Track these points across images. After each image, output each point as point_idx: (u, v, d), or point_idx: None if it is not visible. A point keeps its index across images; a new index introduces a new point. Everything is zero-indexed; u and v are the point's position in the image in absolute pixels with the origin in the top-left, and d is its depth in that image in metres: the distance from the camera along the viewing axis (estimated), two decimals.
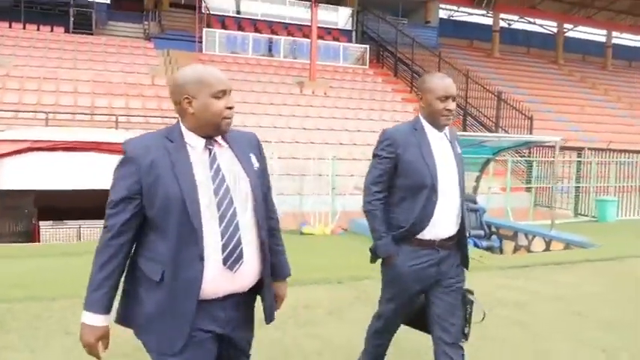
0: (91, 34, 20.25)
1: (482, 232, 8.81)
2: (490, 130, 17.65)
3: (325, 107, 18.12)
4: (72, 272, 5.61)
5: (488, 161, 9.36)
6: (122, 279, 1.87)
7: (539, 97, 23.82)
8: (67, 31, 19.88)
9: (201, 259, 1.75)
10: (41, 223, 14.64)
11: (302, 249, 7.07)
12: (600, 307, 4.46)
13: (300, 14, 23.57)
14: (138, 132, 13.51)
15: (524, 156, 15.38)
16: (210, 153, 1.86)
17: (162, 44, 20.38)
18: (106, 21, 22.02)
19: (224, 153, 1.89)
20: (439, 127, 2.60)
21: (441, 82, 2.56)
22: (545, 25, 32.57)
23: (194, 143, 1.86)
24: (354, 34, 25.57)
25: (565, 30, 31.71)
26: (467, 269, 2.70)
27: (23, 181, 11.51)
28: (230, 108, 1.86)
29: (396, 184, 2.61)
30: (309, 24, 19.90)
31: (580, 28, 32.80)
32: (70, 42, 18.79)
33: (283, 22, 24.08)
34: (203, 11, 22.15)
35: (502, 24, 30.98)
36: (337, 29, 25.32)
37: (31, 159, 11.59)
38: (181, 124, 1.87)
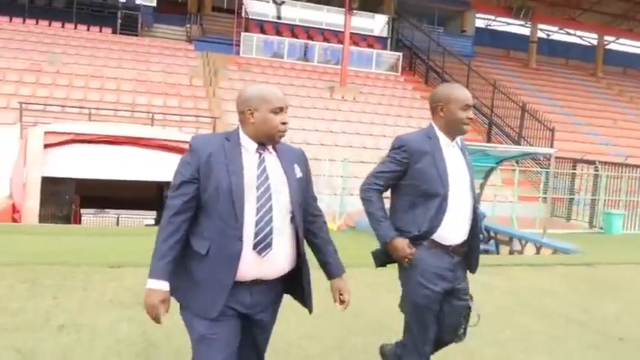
0: (137, 36, 21.49)
1: (480, 236, 9.31)
2: (513, 141, 17.96)
3: (353, 112, 18.78)
4: (98, 247, 6.49)
5: (491, 170, 9.84)
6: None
7: (572, 109, 23.86)
8: (114, 32, 21.17)
9: (241, 239, 2.03)
10: (83, 210, 15.84)
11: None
12: (548, 301, 4.99)
13: (336, 20, 24.25)
14: (172, 129, 14.54)
15: (543, 167, 15.72)
16: (260, 156, 2.15)
17: (202, 46, 21.44)
18: (152, 23, 23.25)
19: (272, 158, 2.17)
20: (454, 135, 2.66)
21: (463, 93, 2.63)
22: (584, 37, 32.33)
23: (248, 146, 2.15)
24: (389, 41, 26.11)
25: (606, 42, 31.44)
26: (473, 273, 2.76)
27: (65, 169, 12.60)
28: (284, 123, 2.14)
29: (406, 190, 2.64)
30: (342, 30, 20.65)
31: (622, 40, 32.42)
32: (117, 42, 20.05)
33: (320, 28, 24.85)
34: (242, 16, 23.13)
35: (540, 34, 30.96)
36: (373, 36, 25.91)
37: (73, 150, 12.69)
38: (240, 130, 2.17)
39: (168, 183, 11.24)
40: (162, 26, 23.47)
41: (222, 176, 2.05)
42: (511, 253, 8.95)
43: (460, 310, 2.69)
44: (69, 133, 12.59)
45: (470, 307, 2.73)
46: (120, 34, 21.18)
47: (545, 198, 14.04)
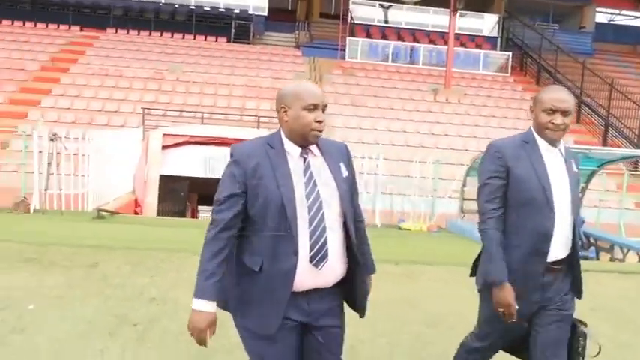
0: (249, 44, 22.77)
1: (579, 243, 8.95)
2: (632, 143, 16.79)
3: (457, 114, 18.54)
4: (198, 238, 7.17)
5: (593, 173, 9.39)
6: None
7: None
8: (228, 41, 22.59)
9: (296, 253, 1.95)
10: (200, 207, 17.17)
11: (398, 241, 8.05)
12: (626, 308, 4.82)
13: (442, 22, 23.96)
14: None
15: None
16: (304, 161, 2.03)
17: (310, 52, 22.24)
18: (263, 31, 24.48)
19: (317, 161, 2.05)
20: (551, 141, 2.39)
21: (551, 95, 2.35)
22: None
23: (291, 151, 2.03)
24: (498, 40, 25.37)
25: None
26: (579, 298, 2.47)
27: (181, 168, 13.82)
28: (319, 122, 2.00)
29: (508, 202, 2.39)
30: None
31: None
32: (230, 51, 21.39)
33: (426, 30, 24.74)
34: (349, 21, 23.64)
35: None
36: (482, 36, 25.32)
37: (188, 151, 13.89)
38: (281, 132, 2.06)
39: None
40: (273, 34, 24.61)
41: (271, 189, 1.95)
42: (612, 260, 8.51)
43: (554, 335, 2.39)
44: (184, 136, 13.77)
45: (583, 337, 2.42)
46: (233, 42, 22.55)
47: None
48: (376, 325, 3.83)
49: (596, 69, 20.51)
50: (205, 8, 23.40)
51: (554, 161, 2.39)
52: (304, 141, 2.02)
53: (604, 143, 17.68)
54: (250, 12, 23.86)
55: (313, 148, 2.06)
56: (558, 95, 2.34)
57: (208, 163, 13.72)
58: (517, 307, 2.28)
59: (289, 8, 26.86)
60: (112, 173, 11.56)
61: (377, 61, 22.17)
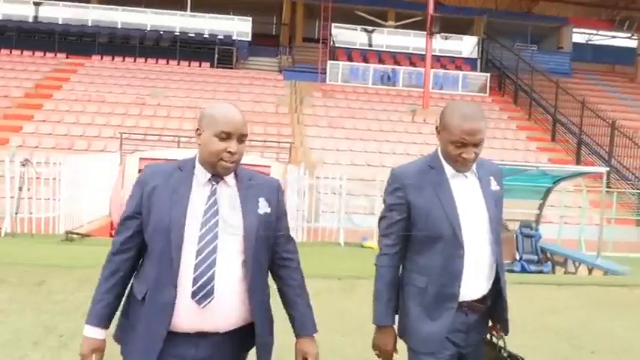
0: (232, 68, 23.21)
1: (535, 258, 9.21)
2: (603, 160, 17.13)
3: (433, 134, 18.82)
4: None
5: (549, 190, 9.69)
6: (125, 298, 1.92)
7: None
8: (212, 66, 23.05)
9: (174, 286, 1.77)
10: None
11: (362, 257, 8.29)
12: (550, 319, 5.05)
13: (422, 44, 24.49)
14: (254, 154, 15.61)
15: (636, 188, 14.93)
16: (212, 187, 1.86)
17: (292, 76, 22.68)
18: (247, 56, 24.95)
19: (228, 191, 1.88)
20: (456, 166, 2.09)
21: (462, 125, 1.97)
22: None
23: (200, 176, 1.87)
24: (478, 62, 25.92)
25: None
26: (505, 334, 2.23)
27: None
28: (231, 153, 1.81)
29: (411, 237, 2.11)
30: (433, 54, 20.97)
31: None
32: (213, 75, 21.82)
33: (407, 52, 25.27)
34: (331, 44, 24.16)
35: None
36: (461, 58, 25.88)
37: None
38: (197, 156, 1.91)
39: None
40: (257, 58, 25.09)
41: (161, 212, 1.80)
42: (565, 274, 8.76)
43: None
44: (159, 159, 14.00)
45: None
46: (217, 67, 22.99)
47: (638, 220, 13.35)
48: None
49: (574, 88, 20.96)
50: (190, 34, 23.93)
51: (464, 186, 2.09)
52: (212, 169, 1.85)
53: (577, 161, 18.03)
54: (234, 37, 24.40)
55: (228, 177, 1.88)
56: (470, 126, 1.96)
57: None
58: (397, 355, 2.09)
59: (273, 33, 27.47)
60: (88, 197, 11.79)
61: (357, 84, 22.63)
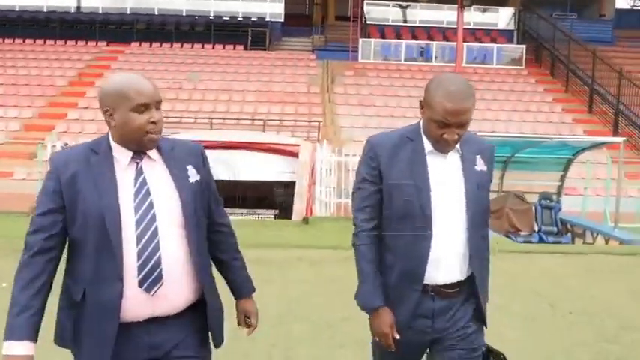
0: (265, 50, 23.57)
1: (554, 229, 9.29)
2: None
3: None
4: None
5: (569, 162, 9.70)
6: (58, 299, 1.78)
7: None
8: (245, 48, 23.46)
9: (120, 279, 1.67)
10: None
11: None
12: (543, 285, 5.25)
13: (455, 18, 24.23)
14: (284, 134, 16.02)
15: None
16: (136, 167, 1.75)
17: (324, 55, 22.84)
18: (280, 37, 25.24)
19: (154, 167, 1.78)
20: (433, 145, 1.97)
21: (445, 103, 1.82)
22: None
23: (120, 157, 1.75)
24: (515, 34, 25.39)
25: None
26: (485, 326, 2.07)
27: None
28: (153, 122, 1.71)
29: (382, 213, 1.98)
30: (466, 27, 20.75)
31: None
32: (247, 57, 22.23)
33: (440, 27, 24.97)
34: (363, 22, 24.15)
35: None
36: (497, 30, 25.41)
37: None
38: (109, 136, 1.77)
39: (278, 183, 12.74)
40: (290, 39, 25.35)
41: (90, 203, 1.67)
42: (584, 244, 8.82)
43: None
44: (197, 141, 14.61)
45: None
46: (250, 49, 23.39)
47: None
48: None
49: (615, 57, 20.37)
50: (224, 18, 24.37)
51: (442, 164, 1.94)
52: (139, 147, 1.74)
53: (614, 132, 17.63)
54: (267, 19, 24.66)
55: (151, 152, 1.78)
56: (454, 106, 1.82)
57: (217, 167, 14.52)
58: (398, 336, 1.93)
59: (306, 13, 27.56)
60: None
61: (389, 61, 22.61)
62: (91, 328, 1.70)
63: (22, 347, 1.63)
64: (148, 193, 1.73)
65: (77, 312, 1.72)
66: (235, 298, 2.00)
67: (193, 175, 1.82)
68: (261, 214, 15.73)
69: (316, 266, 5.61)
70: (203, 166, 1.87)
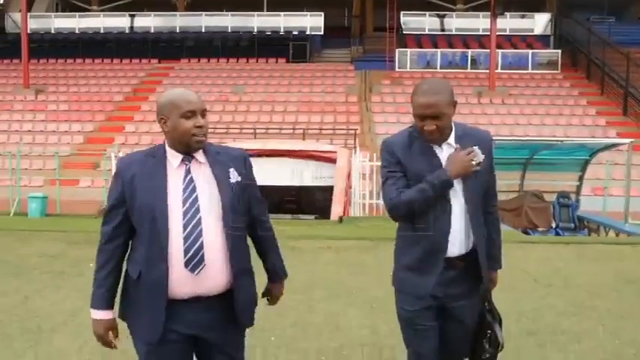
0: (306, 62, 24.74)
1: (571, 225, 9.94)
2: None
3: (498, 114, 19.42)
4: None
5: (586, 162, 10.31)
6: (122, 281, 2.13)
7: None
8: (287, 61, 24.70)
9: (165, 260, 1.97)
10: None
11: None
12: (536, 268, 5.98)
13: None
14: (323, 141, 17.03)
15: None
16: (185, 167, 2.05)
17: (362, 65, 23.80)
18: (320, 49, 26.39)
19: (201, 168, 2.07)
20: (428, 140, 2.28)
21: (418, 98, 2.21)
22: None
23: (172, 159, 2.06)
24: (551, 39, 25.70)
25: None
26: (485, 288, 2.40)
27: None
28: (199, 127, 2.01)
29: None
30: (502, 34, 21.28)
31: None
32: (288, 70, 23.47)
33: (476, 35, 25.54)
34: (400, 32, 24.99)
35: None
36: (533, 36, 25.78)
37: None
38: (165, 142, 2.09)
39: (317, 187, 13.91)
40: (330, 51, 26.47)
41: (143, 197, 2.01)
42: None
43: (458, 334, 2.36)
44: (237, 148, 15.79)
45: (491, 331, 2.35)
46: (292, 62, 24.60)
47: None
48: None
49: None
50: (267, 33, 25.72)
51: (442, 154, 2.27)
52: (188, 148, 2.05)
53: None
54: (308, 32, 25.87)
55: (198, 154, 2.08)
56: (424, 100, 2.19)
57: (260, 173, 15.59)
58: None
59: (345, 25, 28.62)
60: None
61: (425, 70, 23.34)
62: (147, 302, 2.03)
63: (102, 314, 2.09)
64: (194, 190, 2.04)
65: (135, 290, 2.07)
66: (268, 281, 2.38)
67: (234, 177, 2.10)
68: (302, 218, 16.73)
69: (342, 253, 6.53)
70: (244, 169, 2.16)
